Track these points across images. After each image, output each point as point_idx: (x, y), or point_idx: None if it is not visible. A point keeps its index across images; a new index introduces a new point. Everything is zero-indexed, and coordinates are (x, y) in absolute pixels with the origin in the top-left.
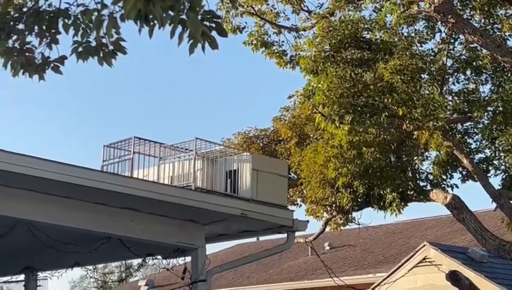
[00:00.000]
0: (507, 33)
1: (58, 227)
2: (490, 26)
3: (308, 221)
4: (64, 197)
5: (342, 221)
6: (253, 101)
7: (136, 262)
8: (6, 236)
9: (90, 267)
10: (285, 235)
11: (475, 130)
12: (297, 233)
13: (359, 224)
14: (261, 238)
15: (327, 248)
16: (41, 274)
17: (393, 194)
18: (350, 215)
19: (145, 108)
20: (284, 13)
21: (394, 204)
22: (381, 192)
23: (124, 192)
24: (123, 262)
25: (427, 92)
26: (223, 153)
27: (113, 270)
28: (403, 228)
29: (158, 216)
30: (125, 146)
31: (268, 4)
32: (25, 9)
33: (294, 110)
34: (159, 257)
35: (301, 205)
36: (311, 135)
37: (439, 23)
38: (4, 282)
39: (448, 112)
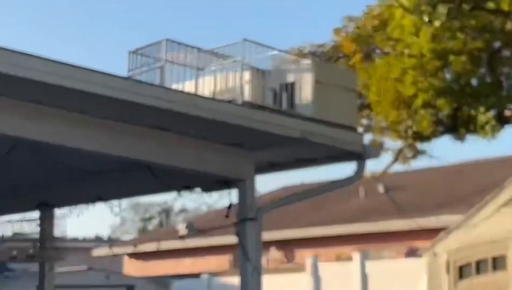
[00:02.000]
0: None
1: (71, 150)
2: None
3: (381, 147)
4: (77, 112)
5: (412, 154)
6: (308, 12)
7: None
8: (11, 163)
9: (115, 202)
10: (349, 165)
11: None
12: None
13: (430, 157)
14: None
15: (382, 190)
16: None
17: (486, 114)
18: (429, 142)
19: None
20: None
21: (488, 127)
22: (471, 112)
23: (153, 105)
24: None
25: None
26: (278, 60)
27: (154, 215)
28: (471, 168)
29: (195, 139)
30: (153, 53)
31: None
32: None
33: (360, 20)
34: (197, 190)
35: (366, 133)
36: (381, 49)
37: None
38: (18, 221)
39: None
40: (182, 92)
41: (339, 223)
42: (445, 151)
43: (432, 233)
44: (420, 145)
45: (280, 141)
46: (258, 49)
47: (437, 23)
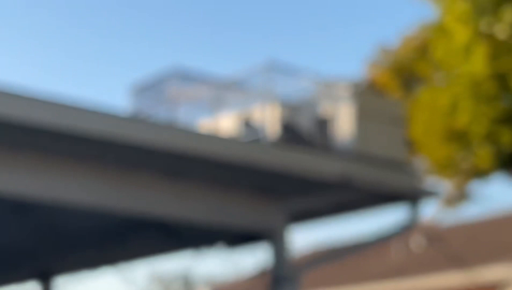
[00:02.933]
0: None
1: (67, 207)
2: None
3: (438, 188)
4: (73, 158)
5: (462, 196)
6: (334, 42)
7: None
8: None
9: (124, 267)
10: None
11: None
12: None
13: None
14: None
15: (424, 241)
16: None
17: None
18: (487, 179)
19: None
20: None
21: None
22: None
23: (163, 148)
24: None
25: None
26: (310, 91)
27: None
28: None
29: (215, 186)
30: (161, 86)
31: None
32: None
33: (396, 48)
34: (220, 246)
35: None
36: (424, 77)
37: None
38: None
39: None
40: (197, 132)
41: (379, 279)
42: (498, 194)
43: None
44: (472, 186)
45: (317, 186)
46: (285, 78)
47: (500, 32)
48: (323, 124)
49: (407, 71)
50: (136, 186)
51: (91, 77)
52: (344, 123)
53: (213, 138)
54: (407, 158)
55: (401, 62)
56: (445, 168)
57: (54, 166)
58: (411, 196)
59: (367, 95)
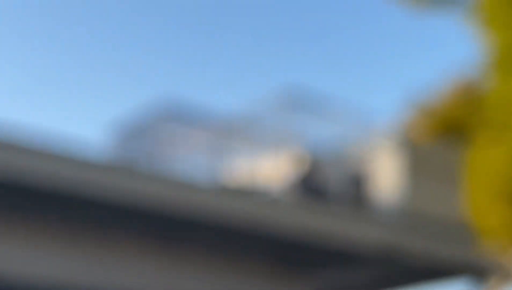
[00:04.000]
0: None
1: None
2: None
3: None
4: (35, 218)
5: None
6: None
7: None
8: None
9: None
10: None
11: None
12: None
13: None
14: None
15: None
16: None
17: None
18: None
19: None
20: None
21: None
22: None
23: (154, 204)
24: None
25: None
26: (340, 138)
27: None
28: None
29: (221, 255)
30: (144, 126)
31: None
32: None
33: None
34: None
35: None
36: (473, 132)
37: None
38: None
39: None
40: (197, 185)
41: None
42: None
43: None
44: None
45: (351, 258)
46: (307, 117)
47: None
48: (357, 180)
49: (451, 121)
50: (112, 258)
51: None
52: (385, 179)
53: (217, 193)
54: (466, 222)
55: (446, 115)
56: (505, 235)
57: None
58: (471, 270)
59: (415, 146)
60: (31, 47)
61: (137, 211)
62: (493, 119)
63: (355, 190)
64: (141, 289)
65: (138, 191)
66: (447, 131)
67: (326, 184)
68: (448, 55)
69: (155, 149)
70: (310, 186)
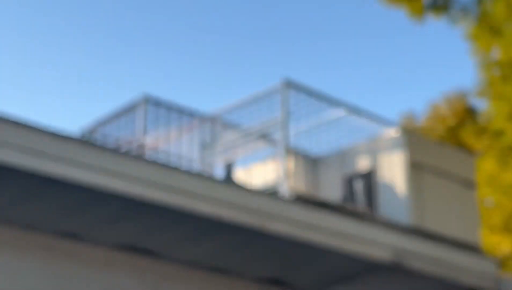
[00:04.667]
0: None
1: None
2: None
3: None
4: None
5: None
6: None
7: None
8: None
9: None
10: None
11: None
12: None
13: None
14: None
15: None
16: None
17: None
18: None
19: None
20: None
21: None
22: None
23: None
24: None
25: None
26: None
27: None
28: None
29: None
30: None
31: None
32: None
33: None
34: None
35: None
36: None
37: None
38: None
39: None
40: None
41: None
42: None
43: None
44: None
45: (356, 269)
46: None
47: None
48: (365, 181)
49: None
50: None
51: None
52: (391, 178)
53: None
54: (480, 236)
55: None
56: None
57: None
58: (491, 287)
59: (422, 141)
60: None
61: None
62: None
63: (361, 192)
64: None
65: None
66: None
67: (326, 188)
68: (447, 70)
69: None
70: (313, 188)
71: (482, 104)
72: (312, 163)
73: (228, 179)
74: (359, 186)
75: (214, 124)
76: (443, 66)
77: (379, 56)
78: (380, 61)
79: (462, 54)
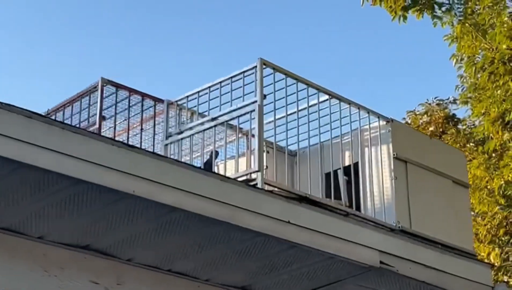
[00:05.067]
0: None
1: None
2: None
3: None
4: None
5: None
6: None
7: None
8: None
9: None
10: None
11: None
12: None
13: None
14: None
15: None
16: None
17: None
18: None
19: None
20: None
21: None
22: None
23: None
24: None
25: None
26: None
27: None
28: None
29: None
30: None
31: None
32: None
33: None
34: None
35: None
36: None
37: None
38: None
39: None
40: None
41: None
42: None
43: None
44: None
45: (336, 273)
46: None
47: None
48: (347, 180)
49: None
50: None
51: None
52: (376, 172)
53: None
54: (472, 244)
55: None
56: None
57: None
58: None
59: (406, 131)
60: None
61: None
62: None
63: (344, 187)
64: None
65: None
66: None
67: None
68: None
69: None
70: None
71: (462, 112)
72: (290, 157)
73: (208, 168)
74: (342, 181)
75: (180, 110)
76: (422, 75)
77: (359, 65)
78: (360, 71)
79: (442, 62)
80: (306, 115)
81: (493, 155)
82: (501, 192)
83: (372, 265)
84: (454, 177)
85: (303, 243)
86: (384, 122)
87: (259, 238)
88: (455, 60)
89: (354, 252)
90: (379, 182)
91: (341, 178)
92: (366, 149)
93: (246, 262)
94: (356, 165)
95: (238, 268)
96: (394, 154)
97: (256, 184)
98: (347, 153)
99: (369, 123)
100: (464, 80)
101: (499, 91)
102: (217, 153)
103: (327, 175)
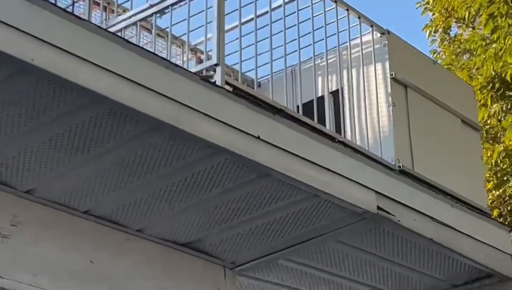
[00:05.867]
0: None
1: None
2: None
3: None
4: None
5: None
6: None
7: None
8: None
9: None
10: None
11: None
12: None
13: None
14: None
15: None
16: None
17: None
18: None
19: None
20: None
21: None
22: None
23: None
24: None
25: None
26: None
27: None
28: None
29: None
30: None
31: None
32: None
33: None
34: None
35: None
36: None
37: None
38: None
39: None
40: None
41: None
42: None
43: None
44: None
45: (317, 223)
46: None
47: None
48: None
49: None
50: None
51: None
52: (370, 103)
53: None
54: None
55: None
56: None
57: None
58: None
59: (416, 57)
60: None
61: None
62: None
63: (331, 114)
64: None
65: None
66: None
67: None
68: None
69: None
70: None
71: None
72: (260, 86)
73: None
74: (328, 106)
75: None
76: None
77: None
78: None
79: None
80: (268, 24)
81: None
82: None
83: (368, 209)
84: (463, 115)
85: (277, 168)
86: (379, 35)
87: (215, 158)
88: (428, 31)
89: (345, 191)
90: (373, 110)
91: (328, 103)
92: (354, 70)
93: (193, 201)
94: (343, 88)
95: (181, 212)
96: (391, 74)
97: (215, 81)
98: (332, 74)
99: (361, 35)
100: (438, 56)
101: None
102: None
103: (307, 104)
